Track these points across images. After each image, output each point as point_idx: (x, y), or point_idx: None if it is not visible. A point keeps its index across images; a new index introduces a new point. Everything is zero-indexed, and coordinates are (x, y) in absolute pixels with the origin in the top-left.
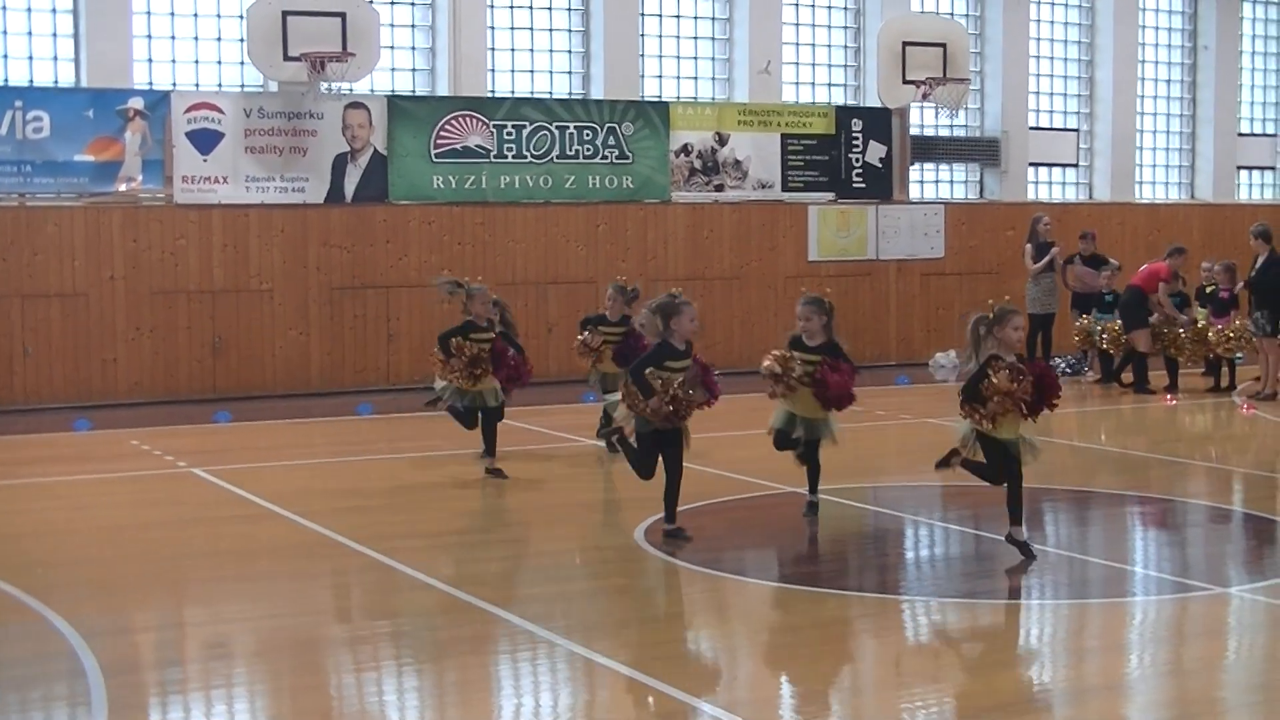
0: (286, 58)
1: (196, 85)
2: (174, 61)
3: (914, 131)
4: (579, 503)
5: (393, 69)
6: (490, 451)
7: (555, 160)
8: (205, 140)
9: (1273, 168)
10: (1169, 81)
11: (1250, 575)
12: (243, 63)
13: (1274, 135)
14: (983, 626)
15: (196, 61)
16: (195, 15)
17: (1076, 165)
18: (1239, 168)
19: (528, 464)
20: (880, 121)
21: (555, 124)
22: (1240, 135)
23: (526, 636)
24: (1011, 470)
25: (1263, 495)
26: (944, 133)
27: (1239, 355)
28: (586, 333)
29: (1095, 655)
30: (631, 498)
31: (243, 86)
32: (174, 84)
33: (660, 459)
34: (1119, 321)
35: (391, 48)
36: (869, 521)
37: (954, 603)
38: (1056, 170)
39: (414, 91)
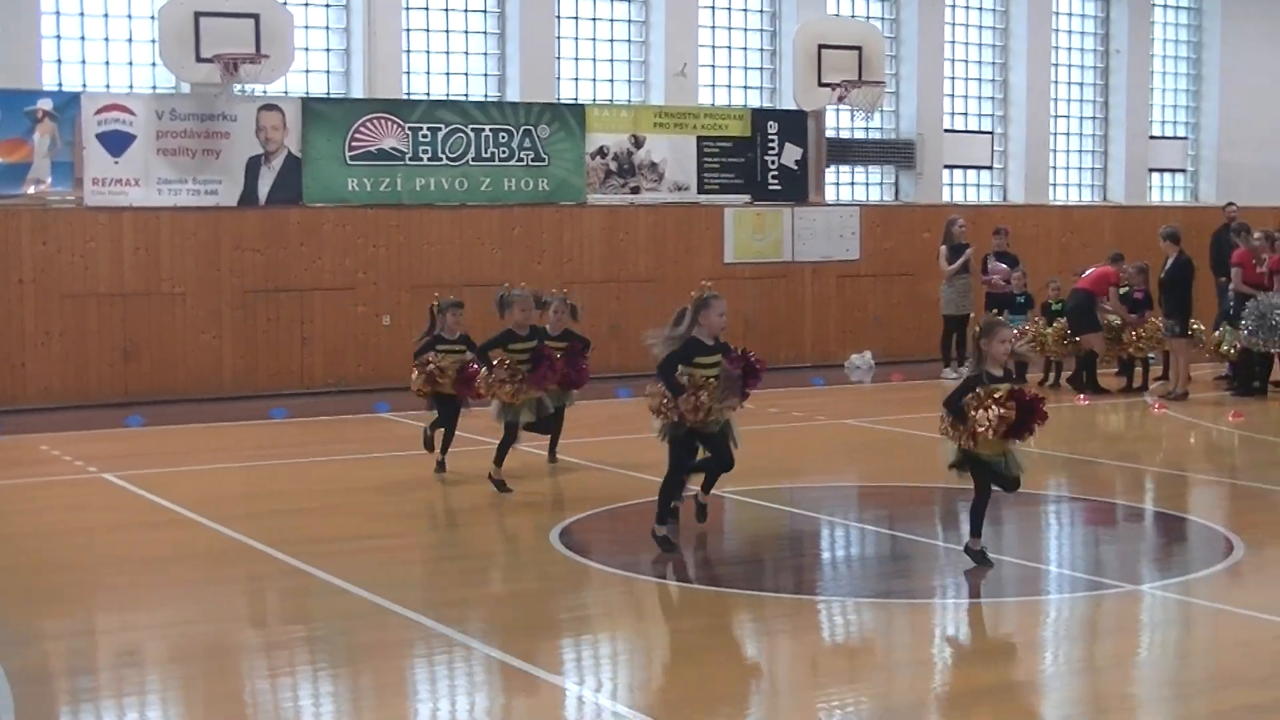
0: (199, 59)
1: (107, 87)
2: (84, 62)
3: (830, 134)
4: (495, 505)
5: (307, 71)
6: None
7: (471, 163)
8: (116, 142)
9: (1184, 170)
10: (1082, 85)
11: (1162, 573)
12: (154, 64)
13: (1185, 138)
14: (898, 626)
15: (107, 63)
16: (106, 16)
17: (991, 167)
18: (1150, 170)
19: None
20: (796, 124)
21: (471, 126)
22: (1152, 138)
23: (443, 640)
24: (989, 489)
25: (1174, 494)
26: (859, 135)
27: (1151, 355)
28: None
29: (1010, 653)
30: (545, 501)
31: (154, 88)
32: (84, 85)
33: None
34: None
35: (305, 49)
36: (785, 522)
37: (869, 603)
38: (971, 172)
39: (328, 94)
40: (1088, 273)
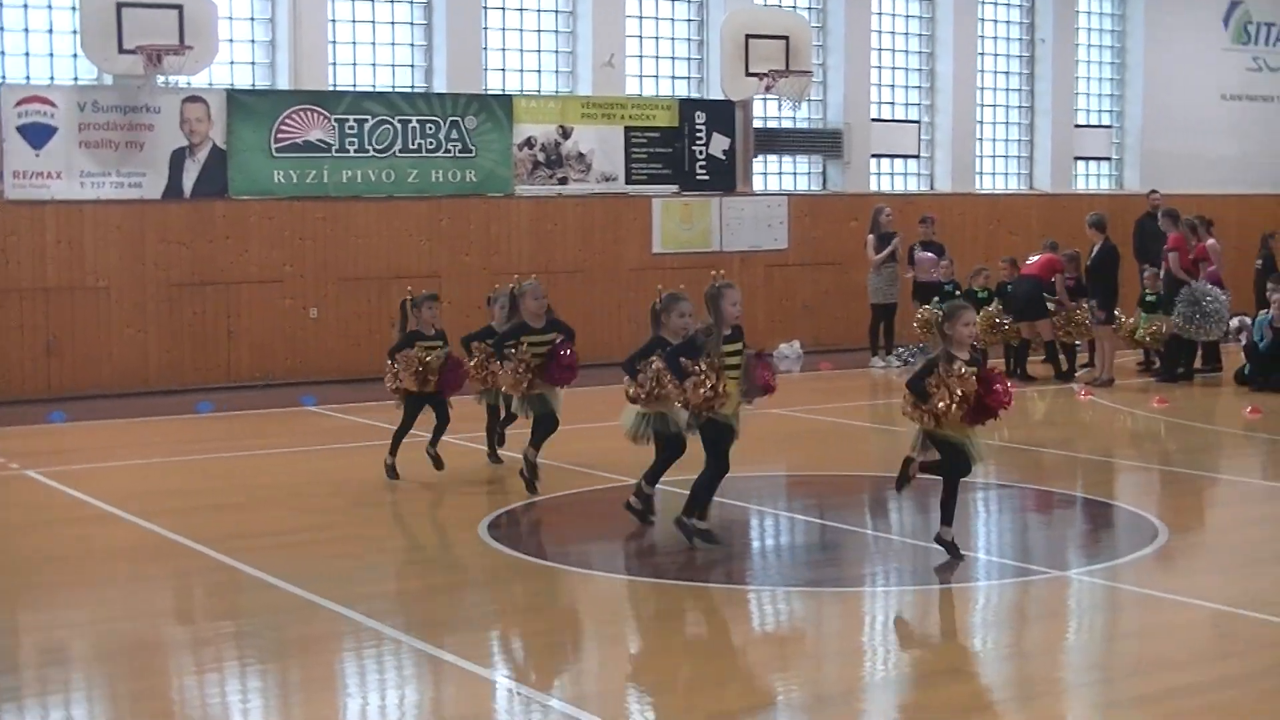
0: (121, 50)
1: (27, 78)
2: (3, 54)
3: (757, 124)
4: (424, 499)
5: (232, 62)
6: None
7: (398, 154)
8: (37, 134)
9: (1108, 158)
10: (1008, 74)
11: (1089, 558)
12: (76, 55)
13: (1110, 127)
14: (828, 615)
15: (27, 54)
16: (25, 6)
17: (918, 156)
18: (1076, 158)
19: (372, 460)
20: (724, 114)
21: (398, 118)
22: (1077, 127)
23: (372, 634)
24: (960, 469)
25: (1100, 480)
26: (787, 125)
27: (1078, 343)
28: (512, 349)
29: (939, 640)
30: (473, 493)
31: (76, 80)
32: (3, 77)
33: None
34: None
35: (230, 41)
36: (714, 512)
37: (799, 591)
38: (898, 162)
39: (254, 85)
40: (1033, 260)
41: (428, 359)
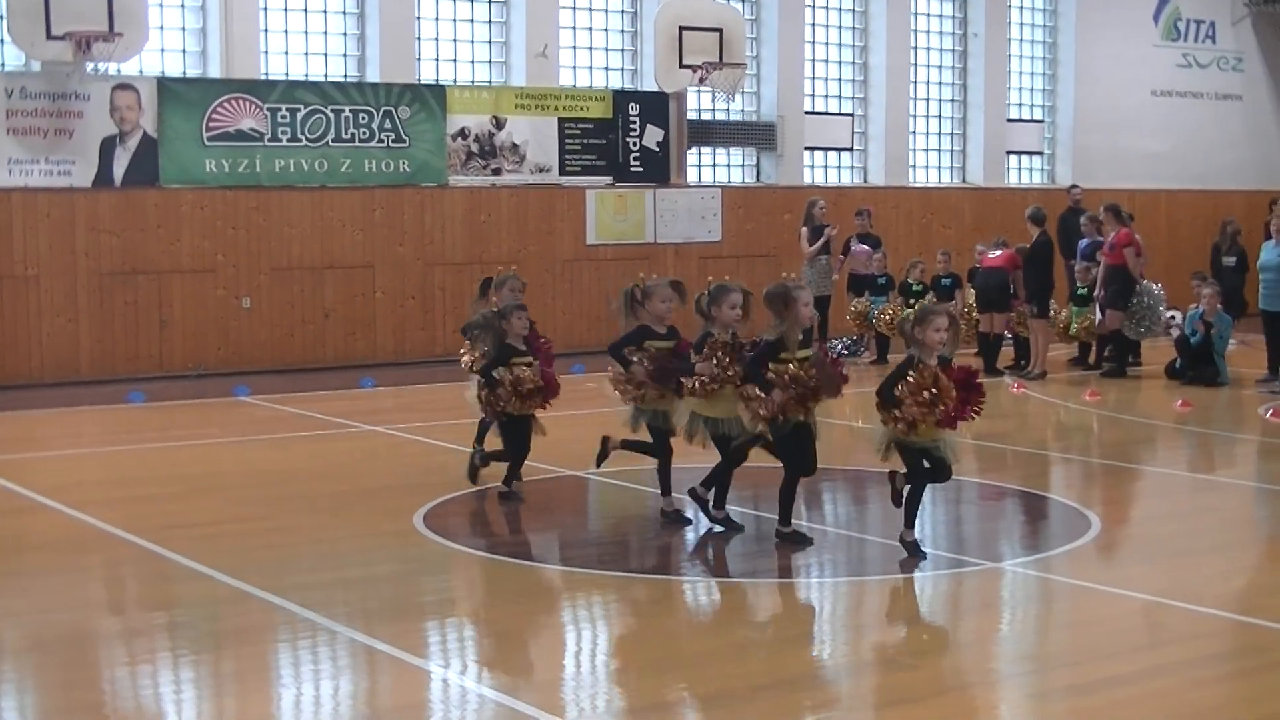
0: (50, 36)
1: None
2: None
3: (691, 116)
4: (358, 489)
5: (162, 50)
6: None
7: (331, 144)
8: None
9: (1040, 153)
10: (940, 68)
11: (1022, 550)
12: (3, 41)
13: (1041, 121)
14: (763, 605)
15: None
16: None
17: (851, 149)
18: (1008, 152)
19: (306, 450)
20: (657, 106)
21: (330, 107)
22: (1009, 121)
23: (306, 625)
24: (927, 475)
25: (1034, 472)
26: (721, 117)
27: (1008, 335)
28: (640, 357)
29: (873, 631)
30: (409, 483)
31: (3, 66)
32: None
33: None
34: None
35: (161, 28)
36: (649, 503)
37: (734, 582)
38: (832, 154)
39: (185, 73)
40: (995, 254)
41: (523, 374)
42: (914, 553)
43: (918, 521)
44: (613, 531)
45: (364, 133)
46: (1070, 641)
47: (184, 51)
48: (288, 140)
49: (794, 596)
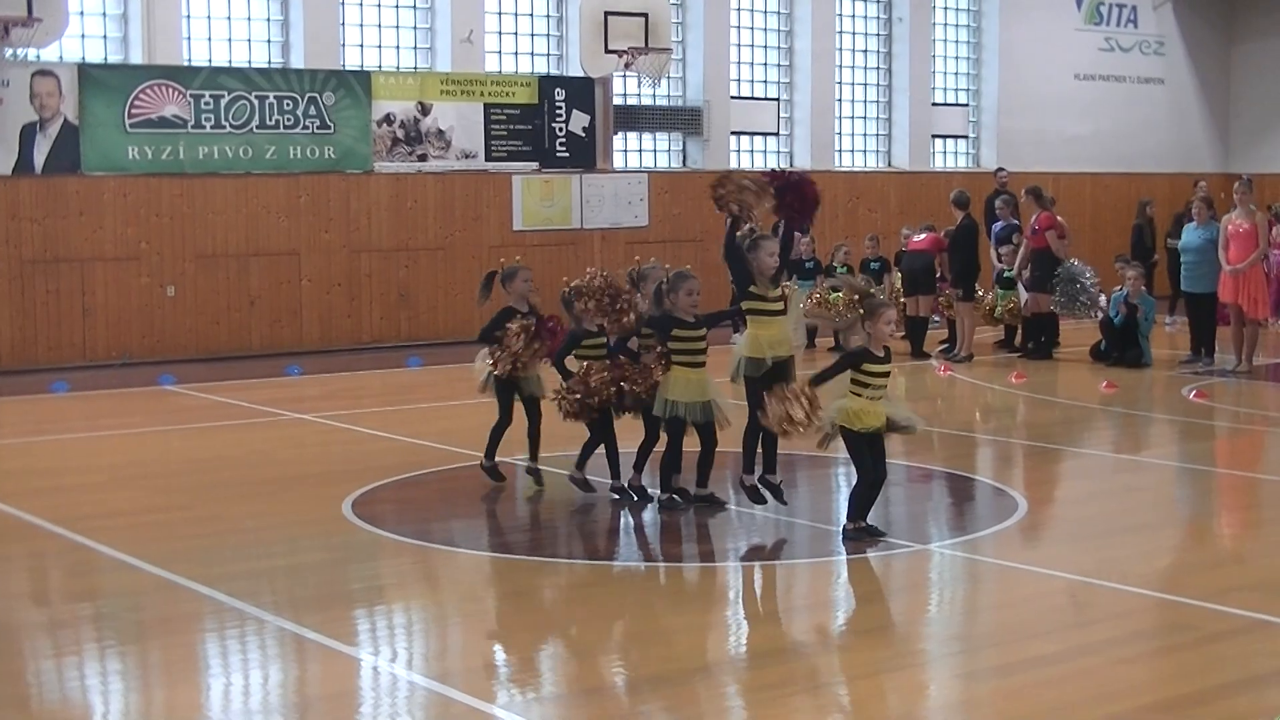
0: None
1: None
2: None
3: (617, 101)
4: (284, 476)
5: (83, 36)
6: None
7: (255, 130)
8: None
9: (965, 136)
10: (866, 52)
11: (950, 531)
12: None
13: (966, 105)
14: (691, 589)
15: None
16: None
17: (777, 134)
18: (933, 136)
19: (231, 439)
20: (583, 91)
21: (254, 93)
22: (934, 105)
23: (234, 614)
24: (870, 465)
25: (961, 454)
26: (647, 102)
27: (935, 319)
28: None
29: (802, 614)
30: (337, 470)
31: None
32: None
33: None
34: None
35: (81, 14)
36: (578, 489)
37: (662, 567)
38: (758, 139)
39: (106, 60)
40: (920, 237)
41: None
42: (873, 533)
43: (846, 507)
44: (542, 517)
45: (289, 119)
46: (997, 622)
47: (105, 38)
48: (211, 127)
49: (723, 580)
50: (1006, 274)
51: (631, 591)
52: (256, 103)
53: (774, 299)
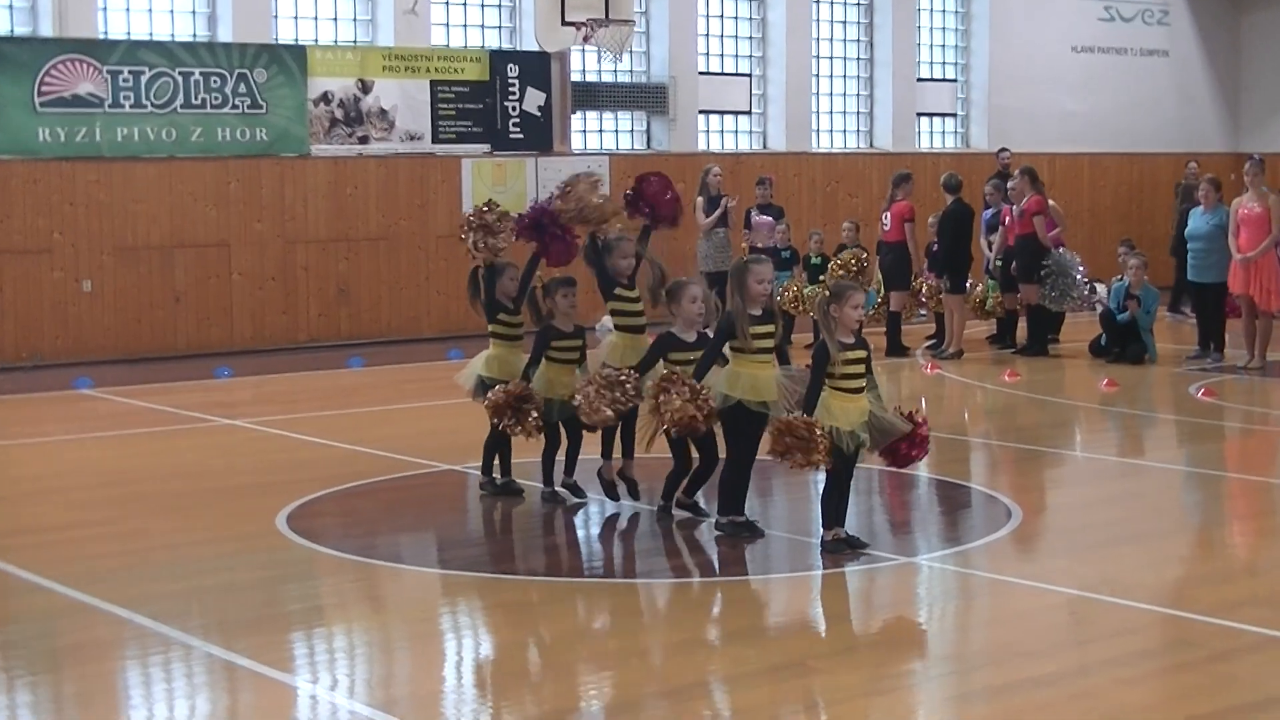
0: None
1: None
2: None
3: (575, 78)
4: (213, 488)
5: None
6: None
7: (179, 110)
8: None
9: (953, 114)
10: (845, 24)
11: (939, 543)
12: None
13: (954, 80)
14: (658, 607)
15: None
16: None
17: (750, 113)
18: (919, 114)
19: (156, 447)
20: (538, 67)
21: (179, 70)
22: (919, 81)
23: (158, 639)
24: (843, 467)
25: (950, 458)
26: (607, 79)
27: (922, 313)
28: None
29: (779, 633)
30: (271, 481)
31: None
32: None
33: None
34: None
35: None
36: (536, 501)
37: (626, 583)
38: (729, 118)
39: (13, 32)
40: (887, 224)
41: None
42: (854, 545)
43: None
44: (496, 531)
45: (216, 98)
46: (990, 640)
47: (11, 7)
48: (131, 106)
49: (692, 597)
50: (999, 262)
51: (593, 610)
52: (181, 80)
53: (636, 298)
